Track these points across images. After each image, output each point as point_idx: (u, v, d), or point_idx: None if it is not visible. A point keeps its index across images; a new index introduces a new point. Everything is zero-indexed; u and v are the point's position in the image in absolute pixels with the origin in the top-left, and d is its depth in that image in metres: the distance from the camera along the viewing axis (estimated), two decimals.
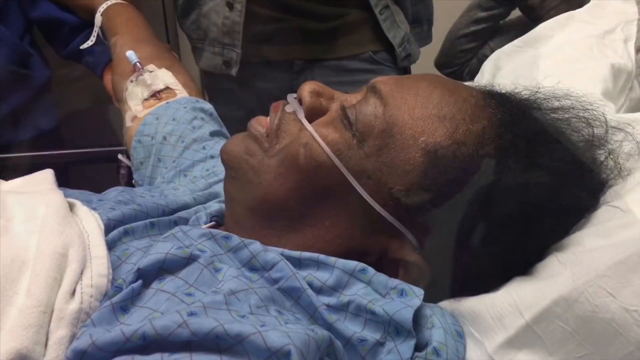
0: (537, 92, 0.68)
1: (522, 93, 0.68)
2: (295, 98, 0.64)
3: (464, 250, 0.58)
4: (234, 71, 1.29)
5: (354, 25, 1.28)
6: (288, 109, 0.64)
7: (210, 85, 1.42)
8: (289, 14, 1.25)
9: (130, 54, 0.98)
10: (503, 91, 0.67)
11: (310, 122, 0.62)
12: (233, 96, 1.35)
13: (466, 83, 0.69)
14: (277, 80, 1.32)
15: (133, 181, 0.97)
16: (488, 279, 0.58)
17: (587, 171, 0.62)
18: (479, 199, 0.56)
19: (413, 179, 0.58)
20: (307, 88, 0.64)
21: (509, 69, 0.90)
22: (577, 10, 0.99)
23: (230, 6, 1.22)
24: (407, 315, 0.53)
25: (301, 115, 0.62)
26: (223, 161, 0.65)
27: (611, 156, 0.63)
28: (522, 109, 0.62)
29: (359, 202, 0.59)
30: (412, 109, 0.59)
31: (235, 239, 0.59)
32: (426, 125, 0.58)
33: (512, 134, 0.59)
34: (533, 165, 0.57)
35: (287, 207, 0.60)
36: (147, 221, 0.66)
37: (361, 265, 0.58)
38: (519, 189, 0.56)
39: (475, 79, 0.95)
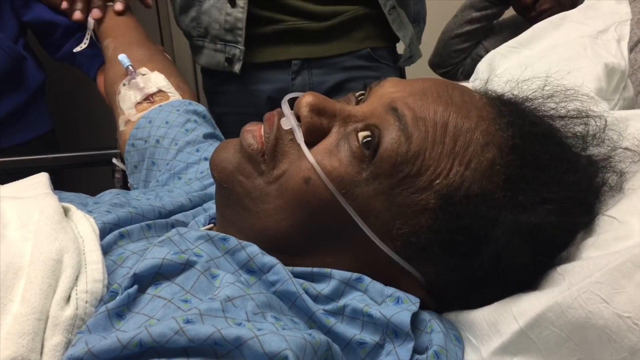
0: (544, 86, 0.66)
1: (530, 94, 0.66)
2: (292, 112, 0.60)
3: (471, 289, 0.57)
4: (236, 68, 1.28)
5: (352, 22, 1.27)
6: (284, 125, 0.59)
7: (208, 86, 1.42)
8: (286, 14, 1.24)
9: (122, 57, 0.97)
10: (513, 98, 0.65)
11: (309, 142, 0.58)
12: (231, 97, 1.35)
13: (462, 83, 0.69)
14: (275, 81, 1.31)
15: (128, 184, 0.97)
16: (489, 304, 0.57)
17: (594, 198, 0.60)
18: (488, 240, 0.54)
19: (423, 221, 0.55)
20: (306, 103, 0.58)
21: (504, 69, 0.90)
22: (571, 11, 0.99)
23: (233, 3, 1.22)
24: (404, 317, 0.53)
25: (300, 140, 0.58)
26: (214, 177, 0.62)
27: (609, 161, 0.62)
28: (533, 130, 0.59)
29: (365, 240, 0.56)
30: (432, 145, 0.55)
31: (233, 241, 0.58)
32: (442, 164, 0.55)
33: (521, 161, 0.56)
34: (543, 201, 0.55)
35: (287, 241, 0.58)
36: (143, 223, 0.66)
37: (357, 274, 0.57)
38: (530, 230, 0.54)
39: (470, 79, 0.95)
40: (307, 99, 0.58)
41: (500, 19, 1.93)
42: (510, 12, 1.90)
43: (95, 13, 1.11)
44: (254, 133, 0.60)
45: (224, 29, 1.25)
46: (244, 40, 1.24)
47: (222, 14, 1.24)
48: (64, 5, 1.19)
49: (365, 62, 1.31)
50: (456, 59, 1.93)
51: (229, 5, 1.22)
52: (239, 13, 1.22)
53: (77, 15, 1.13)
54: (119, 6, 1.11)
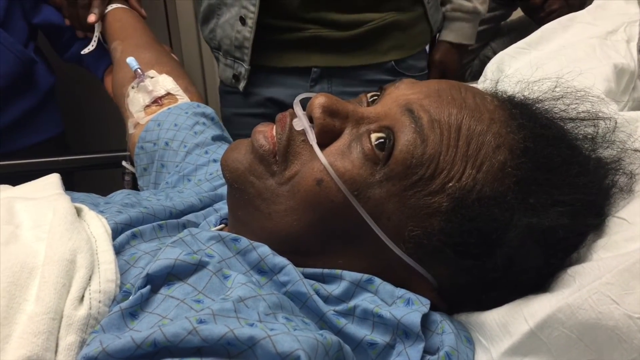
0: (555, 87, 0.67)
1: (541, 95, 0.66)
2: (304, 113, 0.60)
3: (483, 291, 0.57)
4: (241, 86, 1.28)
5: (376, 32, 1.24)
6: (297, 126, 0.59)
7: (225, 91, 1.40)
8: (307, 23, 1.22)
9: (131, 60, 0.98)
10: (524, 100, 0.65)
11: (321, 143, 0.58)
12: (247, 102, 1.33)
13: (471, 84, 0.69)
14: (293, 87, 1.29)
15: (138, 187, 0.97)
16: (500, 305, 0.57)
17: (605, 199, 0.60)
18: (501, 242, 0.55)
19: (435, 224, 0.55)
20: (318, 104, 0.58)
21: (514, 70, 0.90)
22: (580, 12, 0.99)
23: (243, 21, 1.21)
24: (414, 318, 0.53)
25: (313, 142, 0.57)
26: (225, 178, 0.62)
27: (619, 163, 0.62)
28: (545, 133, 0.59)
29: (376, 242, 0.56)
30: (447, 148, 0.55)
31: (244, 242, 0.59)
32: (455, 167, 0.55)
33: (532, 163, 0.56)
34: (554, 204, 0.55)
35: (298, 242, 0.58)
36: (155, 224, 0.66)
37: (367, 275, 0.57)
38: (542, 233, 0.54)
39: (479, 81, 0.95)
40: (319, 100, 0.58)
41: (508, 20, 1.93)
42: (518, 14, 1.90)
43: (91, 17, 1.13)
44: (266, 134, 0.60)
45: (234, 46, 1.24)
46: (250, 58, 1.23)
47: (234, 30, 1.23)
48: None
49: (389, 76, 1.28)
50: (464, 60, 1.92)
51: (239, 22, 1.21)
52: (247, 32, 1.21)
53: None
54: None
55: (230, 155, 0.62)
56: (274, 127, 0.61)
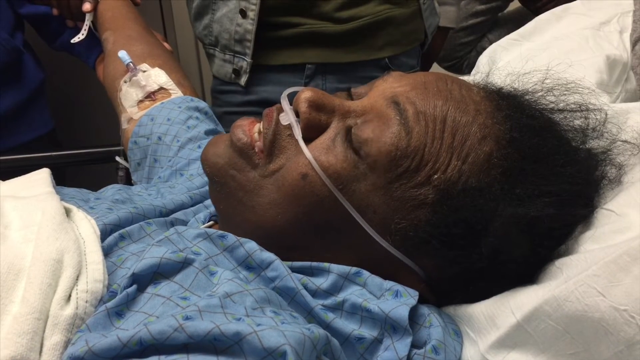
0: (545, 79, 0.66)
1: (530, 87, 0.66)
2: (291, 108, 0.60)
3: (471, 283, 0.57)
4: (243, 80, 1.26)
5: (372, 27, 1.23)
6: (283, 120, 0.59)
7: (217, 88, 1.38)
8: (304, 17, 1.20)
9: (123, 54, 0.97)
10: (512, 91, 0.64)
11: (307, 138, 0.58)
12: (240, 99, 1.32)
13: (463, 77, 0.68)
14: (287, 85, 1.27)
15: (132, 182, 0.97)
16: (488, 297, 0.57)
17: (593, 191, 0.60)
18: (486, 232, 0.54)
19: (421, 215, 0.55)
20: (304, 98, 0.58)
21: (505, 62, 0.89)
22: (574, 3, 0.99)
23: (244, 14, 1.19)
24: (402, 312, 0.53)
25: (298, 136, 0.58)
26: (206, 173, 0.62)
27: (608, 154, 0.62)
28: (531, 123, 0.58)
29: (363, 235, 0.56)
30: (432, 140, 0.55)
31: (231, 238, 0.59)
32: (440, 159, 0.55)
33: (518, 154, 0.56)
34: (541, 194, 0.55)
35: (284, 236, 0.58)
36: (142, 222, 0.66)
37: (355, 268, 0.57)
38: (527, 223, 0.54)
39: (471, 73, 0.95)
40: (305, 94, 0.59)
41: (505, 11, 1.92)
42: (515, 5, 1.89)
43: (86, 6, 1.11)
44: (244, 128, 0.61)
45: (234, 40, 1.22)
46: (252, 51, 1.21)
47: (233, 24, 1.21)
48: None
49: (382, 73, 1.27)
50: (461, 52, 1.92)
51: (239, 15, 1.19)
52: (249, 25, 1.19)
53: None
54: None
55: (209, 150, 0.63)
56: (255, 122, 0.62)
